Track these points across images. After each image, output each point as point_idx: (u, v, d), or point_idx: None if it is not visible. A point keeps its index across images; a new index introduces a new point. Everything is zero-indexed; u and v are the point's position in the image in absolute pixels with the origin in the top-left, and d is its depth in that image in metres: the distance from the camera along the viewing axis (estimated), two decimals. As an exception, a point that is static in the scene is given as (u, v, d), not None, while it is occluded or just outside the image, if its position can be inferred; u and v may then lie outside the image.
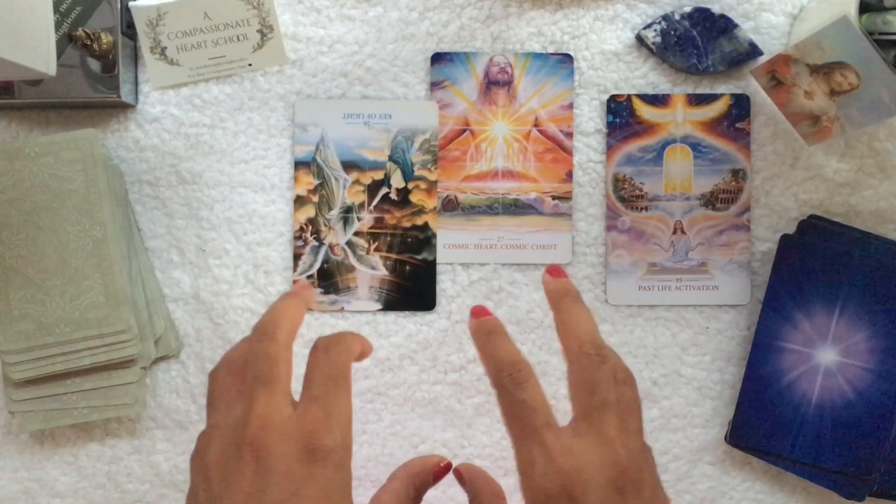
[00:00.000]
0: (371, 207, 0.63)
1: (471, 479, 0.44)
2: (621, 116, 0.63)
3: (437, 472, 0.45)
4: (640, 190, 0.63)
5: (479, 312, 0.42)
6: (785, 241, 0.61)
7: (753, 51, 0.62)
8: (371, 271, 0.63)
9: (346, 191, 0.63)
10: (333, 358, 0.39)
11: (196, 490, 0.37)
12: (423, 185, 0.63)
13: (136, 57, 0.63)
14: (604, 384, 0.38)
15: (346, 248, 0.63)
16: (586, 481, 0.35)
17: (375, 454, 0.63)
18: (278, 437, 0.35)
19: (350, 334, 0.42)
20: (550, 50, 0.63)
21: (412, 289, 0.63)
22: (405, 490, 0.43)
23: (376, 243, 0.63)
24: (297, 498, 0.35)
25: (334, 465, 0.36)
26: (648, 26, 0.62)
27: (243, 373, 0.39)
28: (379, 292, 0.63)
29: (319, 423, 0.36)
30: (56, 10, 0.59)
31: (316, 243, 0.63)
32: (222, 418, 0.38)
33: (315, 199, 0.63)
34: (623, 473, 0.35)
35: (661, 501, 0.36)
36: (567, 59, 0.63)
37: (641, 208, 0.63)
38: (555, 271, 0.44)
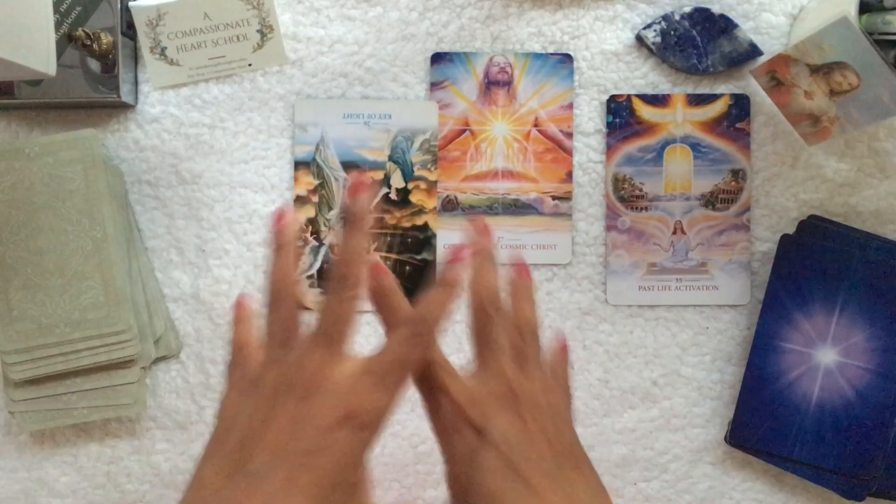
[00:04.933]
0: (371, 207, 0.63)
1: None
2: (621, 116, 0.63)
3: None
4: (640, 190, 0.63)
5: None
6: (785, 241, 0.61)
7: (753, 51, 0.62)
8: (371, 271, 0.63)
9: (346, 191, 0.63)
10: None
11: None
12: (423, 185, 0.63)
13: (136, 57, 0.63)
14: (500, 337, 0.43)
15: (346, 248, 0.63)
16: (484, 406, 0.41)
17: (375, 454, 0.63)
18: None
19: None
20: (550, 50, 0.63)
21: (412, 289, 0.63)
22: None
23: (376, 243, 0.63)
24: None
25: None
26: (648, 26, 0.62)
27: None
28: (379, 292, 0.63)
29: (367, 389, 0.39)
30: (56, 10, 0.59)
31: (316, 243, 0.63)
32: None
33: (315, 199, 0.63)
34: (516, 399, 0.41)
35: (566, 428, 0.42)
36: (567, 59, 0.63)
37: (641, 208, 0.63)
38: (482, 228, 0.46)
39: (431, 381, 0.42)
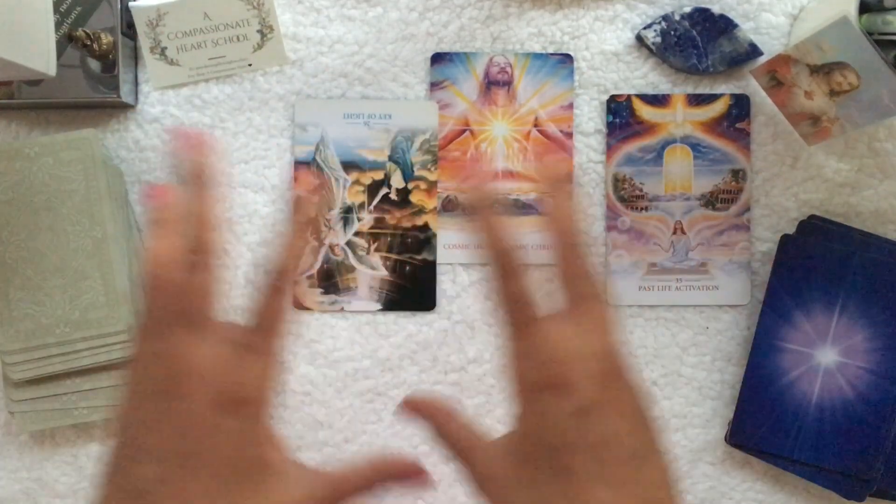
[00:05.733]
0: (371, 208, 0.63)
1: (424, 410, 0.42)
2: (621, 116, 0.63)
3: (404, 472, 0.42)
4: (640, 190, 0.63)
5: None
6: (785, 241, 0.61)
7: (753, 51, 0.62)
8: (371, 271, 0.63)
9: (346, 191, 0.63)
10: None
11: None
12: (423, 186, 0.63)
13: (136, 57, 0.63)
14: (593, 277, 0.39)
15: (346, 248, 0.63)
16: (579, 368, 0.35)
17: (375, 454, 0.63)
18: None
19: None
20: (550, 50, 0.63)
21: (412, 289, 0.63)
22: (368, 475, 0.41)
23: (376, 243, 0.63)
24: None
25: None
26: (648, 26, 0.62)
27: None
28: (379, 292, 0.63)
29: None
30: (56, 10, 0.59)
31: (316, 243, 0.63)
32: None
33: (315, 199, 0.63)
34: (614, 361, 0.36)
35: (641, 389, 0.37)
36: (567, 59, 0.63)
37: (641, 208, 0.63)
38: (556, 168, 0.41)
39: (520, 322, 0.37)
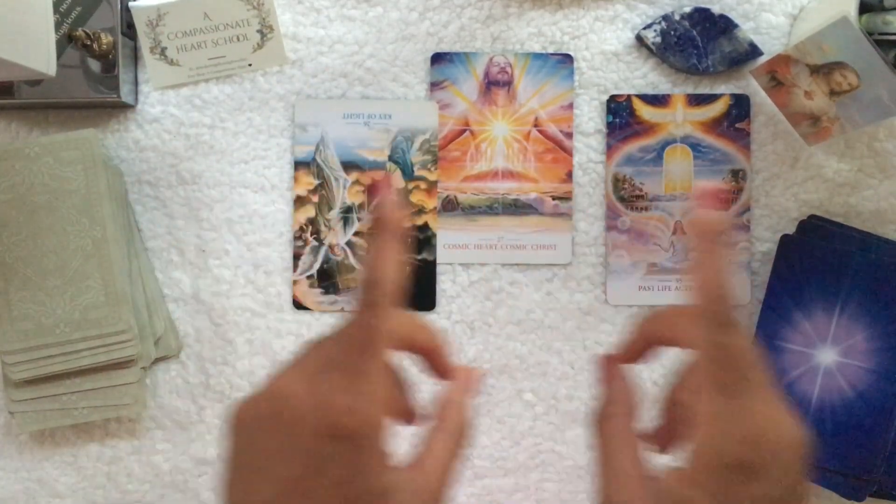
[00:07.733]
0: (371, 207, 0.63)
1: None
2: (621, 116, 0.63)
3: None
4: (640, 190, 0.63)
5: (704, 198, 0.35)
6: (785, 241, 0.61)
7: (753, 51, 0.62)
8: (371, 271, 0.63)
9: (346, 191, 0.63)
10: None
11: None
12: (423, 186, 0.63)
13: (136, 57, 0.63)
14: (758, 358, 0.34)
15: (346, 248, 0.63)
16: (779, 455, 0.32)
17: (375, 454, 0.63)
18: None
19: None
20: (550, 50, 0.63)
21: (412, 289, 0.63)
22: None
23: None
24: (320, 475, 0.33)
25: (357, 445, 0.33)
26: (648, 26, 0.62)
27: None
28: (379, 292, 0.63)
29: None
30: (56, 10, 0.59)
31: (316, 243, 0.63)
32: None
33: (315, 199, 0.63)
34: (802, 456, 0.33)
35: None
36: (567, 59, 0.63)
37: (641, 208, 0.63)
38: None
39: (730, 386, 0.32)
